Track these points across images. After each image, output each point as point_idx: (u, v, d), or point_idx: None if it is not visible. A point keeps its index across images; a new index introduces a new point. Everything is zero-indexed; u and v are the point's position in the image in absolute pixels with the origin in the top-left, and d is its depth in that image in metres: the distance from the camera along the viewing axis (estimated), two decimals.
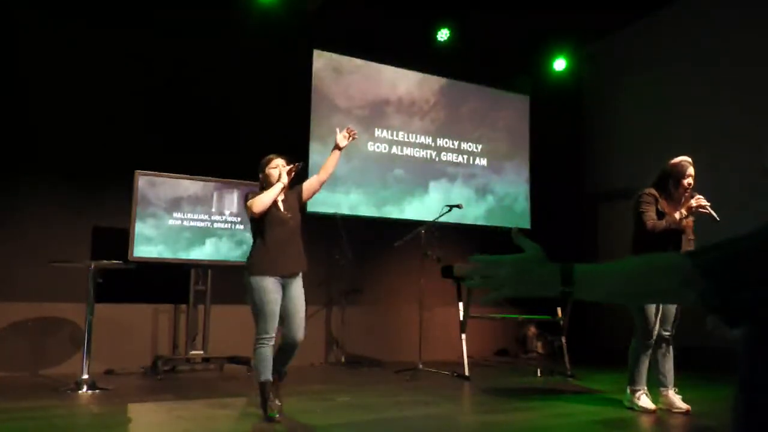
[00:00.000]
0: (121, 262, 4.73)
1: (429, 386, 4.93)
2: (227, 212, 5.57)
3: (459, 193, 7.38)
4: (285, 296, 3.53)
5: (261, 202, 3.48)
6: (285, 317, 3.52)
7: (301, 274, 3.63)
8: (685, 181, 3.85)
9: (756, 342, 0.97)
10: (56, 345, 5.15)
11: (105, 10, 5.69)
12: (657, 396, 3.94)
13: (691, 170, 3.86)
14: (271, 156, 3.72)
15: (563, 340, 5.50)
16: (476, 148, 7.67)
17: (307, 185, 3.77)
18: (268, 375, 3.45)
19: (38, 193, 5.45)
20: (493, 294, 1.04)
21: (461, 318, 5.56)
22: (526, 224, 7.80)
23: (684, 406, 3.83)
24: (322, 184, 3.76)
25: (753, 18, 6.29)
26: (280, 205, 3.62)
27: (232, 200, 5.60)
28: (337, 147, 3.70)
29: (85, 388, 4.26)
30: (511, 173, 7.88)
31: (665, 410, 3.87)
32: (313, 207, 6.05)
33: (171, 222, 5.32)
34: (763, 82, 6.04)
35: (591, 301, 1.03)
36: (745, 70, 6.29)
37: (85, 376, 4.32)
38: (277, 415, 3.44)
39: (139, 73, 5.83)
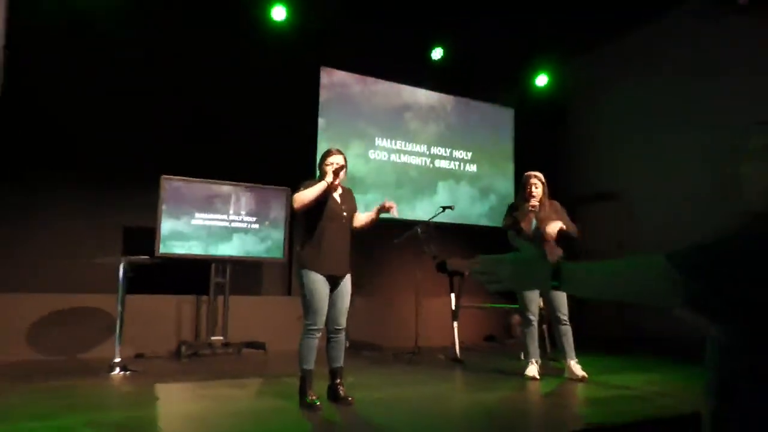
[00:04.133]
0: (148, 257, 4.81)
1: (425, 368, 5.04)
2: (243, 212, 5.75)
3: (465, 192, 7.85)
4: (332, 289, 3.41)
5: (301, 199, 3.31)
6: (329, 306, 3.39)
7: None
8: (527, 192, 4.54)
9: (735, 343, 0.93)
10: (91, 332, 5.30)
11: (132, 26, 5.87)
12: (564, 365, 4.50)
13: (532, 181, 4.53)
14: (331, 150, 3.51)
15: (544, 327, 5.71)
16: (467, 155, 8.02)
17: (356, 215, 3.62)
18: (311, 364, 3.35)
19: (77, 195, 5.67)
20: (494, 287, 1.10)
21: (453, 308, 5.73)
22: None
23: (581, 373, 4.33)
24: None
25: (730, 33, 6.28)
26: (338, 198, 3.45)
27: (249, 202, 5.78)
28: (379, 211, 3.48)
29: (117, 370, 4.42)
30: (499, 178, 8.25)
31: (569, 378, 4.39)
32: None
33: (194, 222, 5.54)
34: (740, 94, 6.06)
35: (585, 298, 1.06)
36: (721, 82, 6.31)
37: (118, 360, 4.48)
38: (318, 402, 3.28)
39: (167, 87, 6.07)
